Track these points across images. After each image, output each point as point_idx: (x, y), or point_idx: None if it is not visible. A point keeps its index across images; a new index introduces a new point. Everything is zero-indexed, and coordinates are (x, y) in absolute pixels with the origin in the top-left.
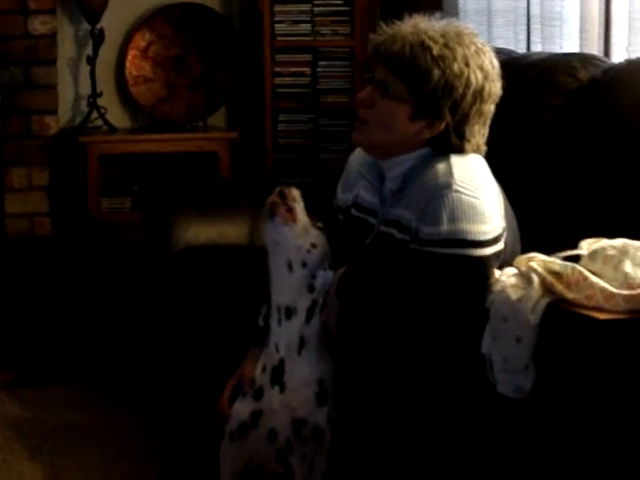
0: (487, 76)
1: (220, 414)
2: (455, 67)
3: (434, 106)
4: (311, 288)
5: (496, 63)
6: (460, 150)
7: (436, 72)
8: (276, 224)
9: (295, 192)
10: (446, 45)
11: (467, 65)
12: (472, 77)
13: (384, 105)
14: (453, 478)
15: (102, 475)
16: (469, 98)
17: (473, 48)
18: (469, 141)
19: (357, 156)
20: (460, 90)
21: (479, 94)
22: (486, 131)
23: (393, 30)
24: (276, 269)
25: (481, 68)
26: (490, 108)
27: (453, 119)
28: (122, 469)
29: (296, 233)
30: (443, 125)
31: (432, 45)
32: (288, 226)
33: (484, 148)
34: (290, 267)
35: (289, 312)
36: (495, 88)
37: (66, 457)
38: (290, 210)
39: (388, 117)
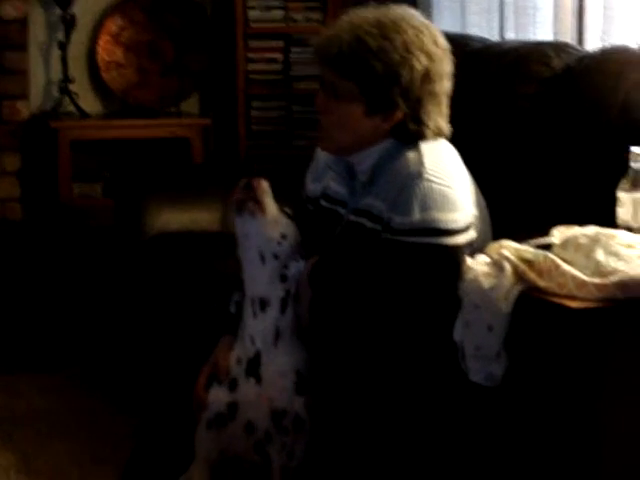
0: (431, 57)
1: (196, 401)
2: (396, 56)
3: (385, 98)
4: (283, 278)
5: (441, 41)
6: (421, 136)
7: (378, 65)
8: (244, 218)
9: (264, 184)
10: (383, 36)
11: (408, 51)
12: (415, 62)
13: (338, 107)
14: (427, 465)
15: (73, 462)
16: (417, 83)
17: (412, 32)
18: (427, 125)
19: None
20: (406, 77)
21: (427, 77)
22: (445, 110)
23: (330, 30)
24: (248, 261)
25: (423, 50)
26: (443, 87)
27: (407, 106)
28: (94, 456)
29: (266, 225)
30: (400, 114)
31: (368, 39)
32: (257, 219)
33: (447, 128)
34: (262, 259)
35: (263, 304)
36: (442, 66)
37: (37, 444)
38: (258, 203)
39: (344, 118)
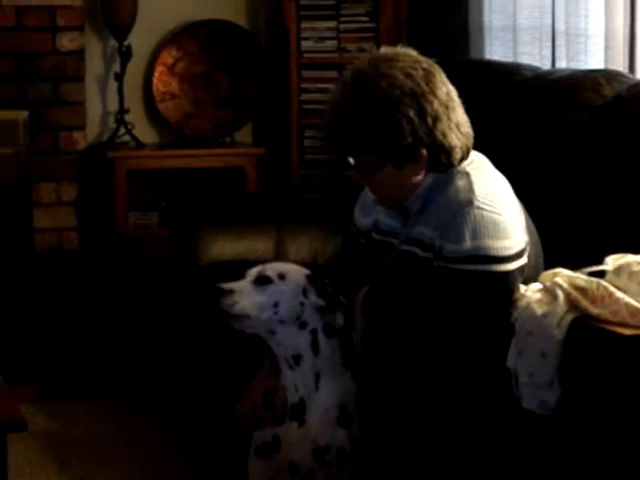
0: (414, 91)
1: (248, 419)
2: (385, 117)
3: (404, 152)
4: (303, 325)
5: (414, 65)
6: (455, 160)
7: (378, 135)
8: (238, 327)
9: (225, 297)
10: (364, 107)
11: (392, 105)
12: (405, 109)
13: (372, 178)
14: None
15: None
16: (419, 122)
17: (384, 83)
18: (452, 146)
19: None
20: (407, 126)
21: (423, 111)
22: (459, 114)
23: (323, 120)
24: (264, 339)
25: (404, 92)
26: (441, 100)
27: (426, 145)
28: None
29: (255, 319)
30: (425, 152)
31: (353, 117)
32: (245, 323)
33: (469, 131)
34: (272, 332)
35: (296, 359)
36: (428, 87)
37: (94, 470)
38: (236, 317)
39: (383, 184)
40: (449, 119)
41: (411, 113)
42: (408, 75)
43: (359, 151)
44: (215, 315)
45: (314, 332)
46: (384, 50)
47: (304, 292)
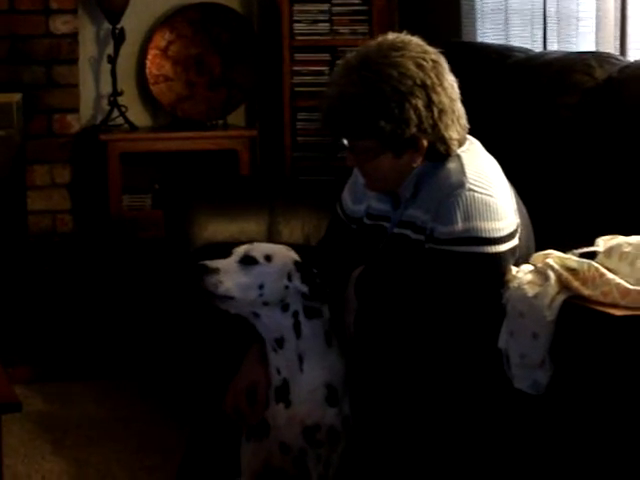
0: (423, 82)
1: (234, 415)
2: (393, 105)
3: (405, 140)
4: (286, 307)
5: (423, 55)
6: (450, 149)
7: (382, 122)
8: (223, 307)
9: (210, 276)
10: (373, 92)
11: (401, 93)
12: (413, 99)
13: (369, 163)
14: (469, 473)
15: (124, 469)
16: (425, 113)
17: (395, 73)
18: (452, 138)
19: None
20: (413, 116)
21: (430, 101)
22: (460, 110)
23: (324, 102)
24: (248, 318)
25: (414, 82)
26: (447, 94)
27: (428, 135)
28: (144, 463)
29: (240, 300)
30: (425, 142)
31: (361, 101)
32: (230, 302)
33: (467, 128)
34: (256, 314)
35: (279, 341)
36: (437, 79)
37: (88, 451)
38: (219, 297)
39: (379, 169)
40: (453, 112)
41: (419, 104)
42: (419, 66)
43: (360, 135)
44: (200, 294)
45: (295, 314)
46: (392, 37)
47: (289, 276)
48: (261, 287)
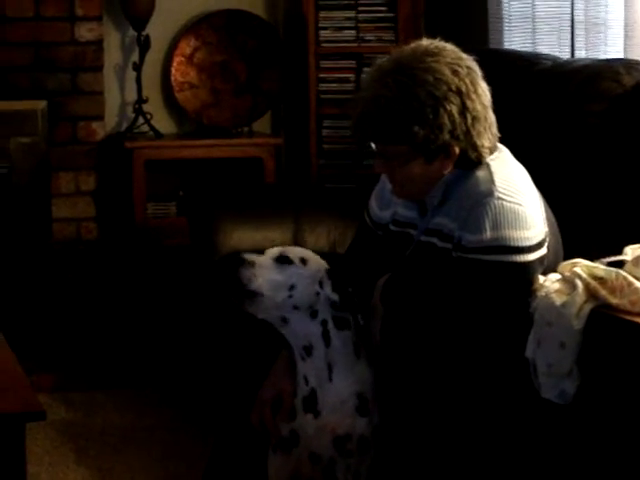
0: (458, 87)
1: (260, 428)
2: (428, 110)
3: (438, 146)
4: (314, 314)
5: (459, 61)
6: (482, 157)
7: (416, 127)
8: (251, 311)
9: (245, 269)
10: (407, 97)
11: (436, 98)
12: (448, 104)
13: (399, 169)
14: None
15: (148, 478)
16: (459, 119)
17: (430, 77)
18: (483, 145)
19: None
20: (447, 122)
21: (464, 108)
22: (492, 117)
23: (357, 107)
24: (275, 325)
25: (449, 87)
26: (482, 102)
27: (460, 142)
28: (168, 472)
29: (270, 299)
30: (457, 149)
31: (396, 106)
32: (260, 303)
33: (497, 137)
34: (284, 320)
35: (307, 349)
36: (472, 85)
37: (112, 460)
38: (250, 293)
39: (409, 176)
40: (485, 119)
41: (454, 110)
42: (454, 72)
43: (393, 140)
44: (231, 289)
45: (324, 323)
46: (427, 43)
47: (320, 283)
48: (292, 288)
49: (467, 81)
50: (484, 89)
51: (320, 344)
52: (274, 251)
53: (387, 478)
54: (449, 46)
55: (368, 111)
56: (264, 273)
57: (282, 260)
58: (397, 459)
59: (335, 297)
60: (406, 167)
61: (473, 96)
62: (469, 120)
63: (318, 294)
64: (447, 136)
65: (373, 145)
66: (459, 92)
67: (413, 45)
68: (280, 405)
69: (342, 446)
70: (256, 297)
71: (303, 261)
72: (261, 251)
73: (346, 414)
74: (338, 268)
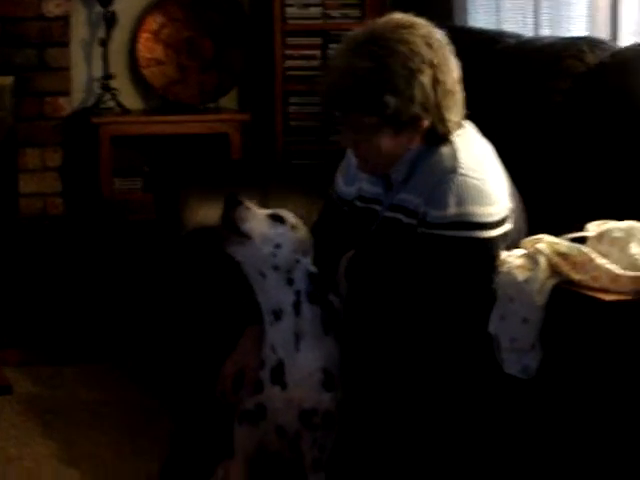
0: (431, 61)
1: (223, 400)
2: (401, 81)
3: (408, 118)
4: (290, 282)
5: (433, 36)
6: (449, 132)
7: (389, 97)
8: (234, 249)
9: (242, 210)
10: (380, 66)
11: (410, 69)
12: (421, 75)
13: (366, 140)
14: (460, 457)
15: (114, 452)
16: (431, 91)
17: (404, 48)
18: (451, 120)
19: None
20: (419, 93)
21: (436, 81)
22: (461, 95)
23: (328, 76)
24: (252, 279)
25: (423, 59)
26: (452, 78)
27: (430, 115)
28: (134, 446)
29: (255, 247)
30: (426, 122)
31: (369, 75)
32: (245, 246)
33: (464, 112)
34: (263, 274)
35: (277, 314)
36: (444, 60)
37: (78, 434)
38: (241, 233)
39: (376, 148)
40: (454, 94)
41: (426, 82)
42: (428, 44)
43: (363, 110)
44: (223, 224)
45: (298, 293)
46: (399, 16)
47: (304, 253)
48: (277, 247)
49: (439, 54)
50: (455, 64)
51: (290, 312)
52: (266, 210)
53: (352, 451)
54: (421, 20)
55: (340, 80)
56: (257, 222)
57: (275, 218)
58: (361, 433)
59: (313, 269)
60: (374, 139)
61: (445, 69)
62: (440, 93)
63: (298, 262)
64: (418, 108)
65: (340, 115)
66: (431, 65)
67: (386, 18)
68: (243, 378)
69: (308, 420)
70: (243, 239)
71: (293, 227)
72: None
73: (312, 388)
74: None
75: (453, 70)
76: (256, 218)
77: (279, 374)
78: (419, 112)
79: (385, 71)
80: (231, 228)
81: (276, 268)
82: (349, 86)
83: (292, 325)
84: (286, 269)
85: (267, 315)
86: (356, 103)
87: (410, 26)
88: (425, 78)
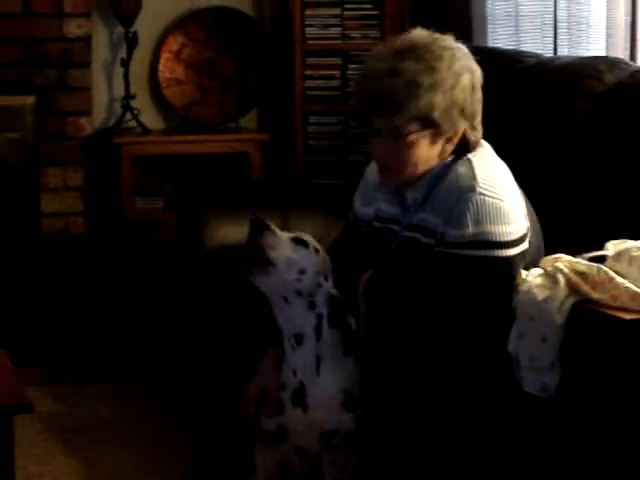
0: (470, 68)
1: (245, 422)
2: (448, 83)
3: (449, 124)
4: (312, 306)
5: (466, 50)
6: (474, 147)
7: (438, 98)
8: (258, 282)
9: (268, 235)
10: (429, 68)
11: (454, 73)
12: (463, 80)
13: (404, 149)
14: (478, 475)
15: (135, 470)
16: (470, 98)
17: (448, 53)
18: (480, 130)
19: (373, 169)
20: (461, 98)
21: (474, 88)
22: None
23: (371, 81)
24: (274, 305)
25: (463, 66)
26: (479, 89)
27: (467, 122)
28: (154, 464)
29: (280, 274)
30: (461, 131)
31: (419, 77)
32: (269, 276)
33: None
34: (286, 300)
35: (299, 338)
36: (478, 74)
37: (99, 452)
38: (265, 261)
39: (409, 157)
40: (481, 105)
41: (467, 86)
42: (464, 53)
43: (410, 112)
44: (250, 251)
45: (319, 317)
46: (425, 31)
47: (325, 276)
48: (302, 272)
49: (473, 62)
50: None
51: (311, 335)
52: (288, 234)
53: (372, 471)
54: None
55: (389, 83)
56: (282, 247)
57: (299, 242)
58: (382, 453)
59: (335, 292)
60: (410, 148)
61: (478, 76)
62: (475, 99)
63: (320, 286)
64: (457, 112)
65: (381, 121)
66: (470, 70)
67: (415, 31)
68: (265, 401)
69: (329, 441)
70: (268, 267)
71: (316, 249)
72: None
73: (333, 410)
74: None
75: (479, 87)
76: (281, 243)
77: (300, 397)
78: (458, 117)
79: (434, 73)
80: (257, 254)
81: (299, 293)
82: (400, 87)
83: (313, 349)
84: (309, 293)
85: (288, 339)
86: (406, 105)
87: (443, 37)
88: (466, 82)
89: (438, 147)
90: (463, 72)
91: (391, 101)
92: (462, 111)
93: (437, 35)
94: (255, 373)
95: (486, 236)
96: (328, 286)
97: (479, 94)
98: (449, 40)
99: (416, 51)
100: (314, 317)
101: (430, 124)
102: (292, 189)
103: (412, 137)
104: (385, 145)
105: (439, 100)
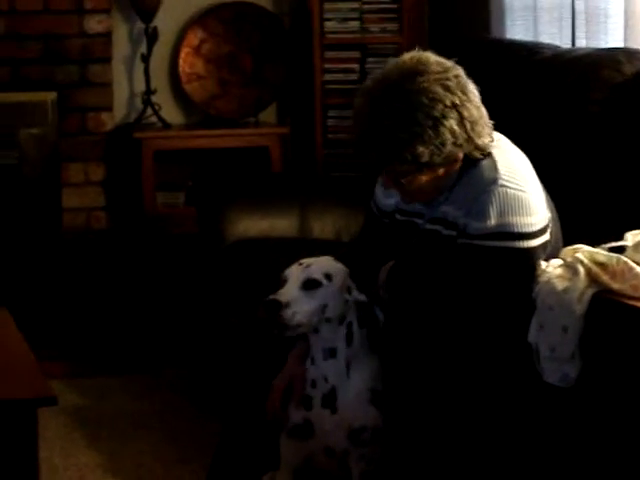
0: (450, 99)
1: (271, 416)
2: (429, 131)
3: (443, 158)
4: (342, 320)
5: (441, 69)
6: (485, 153)
7: (421, 148)
8: (287, 336)
9: (285, 311)
10: (410, 122)
11: (432, 117)
12: (445, 120)
13: (409, 183)
14: (500, 465)
15: (158, 462)
16: (458, 130)
17: (423, 99)
18: (484, 142)
19: None
20: (448, 134)
21: (461, 116)
22: (484, 111)
23: (357, 127)
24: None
25: (441, 101)
26: (473, 103)
27: (463, 148)
28: (179, 456)
29: (306, 326)
30: (461, 155)
31: (397, 132)
32: (296, 332)
33: (491, 124)
34: (316, 330)
35: (332, 352)
36: (460, 92)
37: (123, 444)
38: (290, 329)
39: (417, 187)
40: (481, 118)
41: (453, 124)
42: (446, 88)
43: (397, 161)
44: (276, 330)
45: (349, 325)
46: (409, 59)
47: (348, 289)
48: (324, 307)
49: (458, 92)
50: (473, 91)
51: (343, 345)
52: (297, 276)
53: (398, 465)
54: (432, 57)
55: (369, 139)
56: (300, 306)
57: (309, 285)
58: (406, 446)
59: (363, 297)
60: (414, 180)
61: (467, 104)
62: (468, 127)
63: (347, 301)
64: (450, 148)
65: (377, 164)
66: (454, 105)
67: (396, 63)
68: (292, 394)
69: (357, 438)
70: (297, 328)
71: (328, 277)
72: (269, 240)
73: (361, 407)
74: (344, 259)
75: (473, 98)
76: (297, 304)
77: (331, 400)
78: (452, 150)
79: (412, 126)
80: (281, 331)
81: (328, 320)
82: (379, 143)
83: (345, 357)
84: (338, 315)
85: (321, 352)
86: (391, 160)
87: (424, 71)
88: (451, 121)
89: (442, 172)
90: (446, 112)
91: (377, 152)
92: (454, 145)
93: (418, 67)
94: (282, 366)
95: (509, 227)
96: (355, 295)
97: (474, 117)
98: (430, 72)
99: (394, 103)
100: (344, 328)
101: (423, 165)
102: (312, 183)
103: (409, 178)
104: (388, 181)
105: (422, 150)
